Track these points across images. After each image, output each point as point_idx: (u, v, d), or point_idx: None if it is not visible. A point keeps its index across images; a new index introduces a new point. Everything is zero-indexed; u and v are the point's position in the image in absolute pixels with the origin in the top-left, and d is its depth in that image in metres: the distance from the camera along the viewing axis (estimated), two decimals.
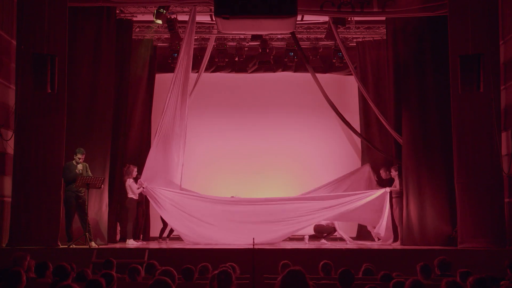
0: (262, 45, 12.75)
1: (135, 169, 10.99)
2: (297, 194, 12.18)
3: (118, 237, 11.35)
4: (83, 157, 9.92)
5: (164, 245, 10.56)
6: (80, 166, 9.84)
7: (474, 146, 9.91)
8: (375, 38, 12.92)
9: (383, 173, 11.59)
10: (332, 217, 10.93)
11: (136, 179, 10.88)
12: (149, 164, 10.55)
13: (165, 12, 11.18)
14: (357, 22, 12.45)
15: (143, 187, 10.37)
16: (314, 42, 13.05)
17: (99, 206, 10.43)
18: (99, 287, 4.67)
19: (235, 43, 13.06)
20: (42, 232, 9.57)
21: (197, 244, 9.96)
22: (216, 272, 4.95)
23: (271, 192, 12.25)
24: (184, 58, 10.78)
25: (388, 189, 10.82)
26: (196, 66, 12.24)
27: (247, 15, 8.38)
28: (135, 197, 10.87)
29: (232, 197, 11.46)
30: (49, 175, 9.77)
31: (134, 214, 10.93)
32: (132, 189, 10.75)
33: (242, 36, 12.94)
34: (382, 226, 10.51)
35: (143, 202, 11.53)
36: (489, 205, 9.74)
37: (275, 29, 10.79)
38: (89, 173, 9.99)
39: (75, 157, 9.90)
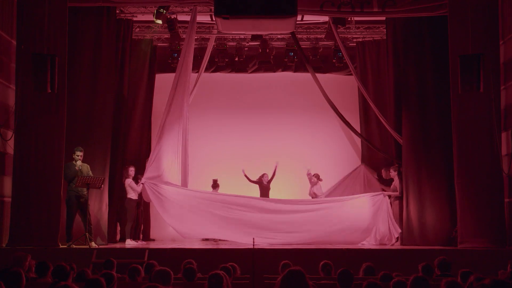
0: (262, 45, 12.75)
1: (133, 169, 10.98)
2: (295, 193, 12.18)
3: (118, 237, 11.36)
4: (82, 154, 9.92)
5: (164, 245, 10.56)
6: (79, 163, 9.86)
7: (474, 146, 9.91)
8: (375, 38, 12.92)
9: (384, 173, 11.59)
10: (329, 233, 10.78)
11: (135, 179, 10.88)
12: (150, 163, 10.55)
13: (165, 12, 11.19)
14: (357, 22, 12.45)
15: (142, 183, 10.37)
16: (314, 42, 13.05)
17: (99, 206, 10.43)
18: (98, 287, 4.66)
19: (235, 43, 13.06)
20: (42, 232, 9.57)
21: (195, 239, 9.98)
22: (212, 272, 4.95)
23: (270, 191, 12.24)
24: (186, 57, 10.78)
25: (386, 193, 10.83)
26: (196, 66, 12.23)
27: (247, 15, 8.38)
28: (134, 197, 10.86)
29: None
30: (49, 175, 9.76)
31: (133, 214, 10.92)
32: (133, 187, 10.74)
33: (242, 36, 12.94)
34: (393, 229, 10.47)
35: (142, 202, 11.53)
36: (489, 205, 9.74)
37: (275, 29, 10.79)
38: (90, 173, 9.99)
39: (74, 156, 9.91)
